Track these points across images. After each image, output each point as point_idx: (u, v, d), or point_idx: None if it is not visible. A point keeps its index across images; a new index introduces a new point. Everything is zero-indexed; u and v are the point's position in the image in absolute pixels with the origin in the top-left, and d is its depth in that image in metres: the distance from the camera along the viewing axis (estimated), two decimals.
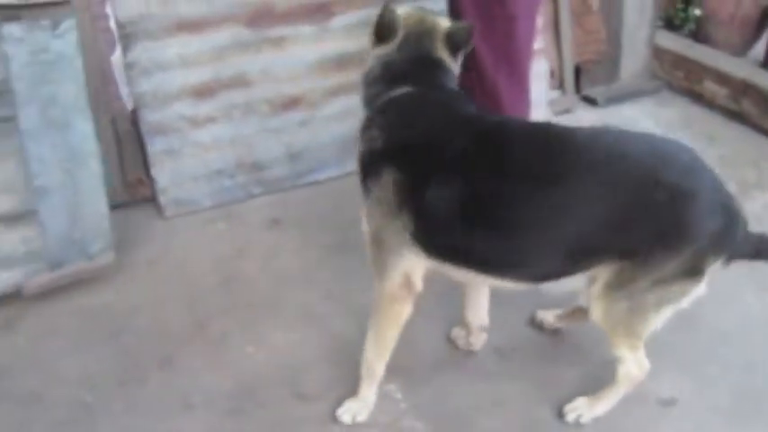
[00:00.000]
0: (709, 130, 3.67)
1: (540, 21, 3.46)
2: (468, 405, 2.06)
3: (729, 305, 2.47)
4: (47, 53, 2.12)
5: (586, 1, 3.72)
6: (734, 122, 3.74)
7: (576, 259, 1.74)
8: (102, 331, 2.29)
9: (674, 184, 1.65)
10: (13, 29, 2.05)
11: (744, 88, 3.72)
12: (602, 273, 1.75)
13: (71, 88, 2.19)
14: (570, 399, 2.03)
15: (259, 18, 2.84)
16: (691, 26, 4.29)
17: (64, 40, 2.13)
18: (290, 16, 2.90)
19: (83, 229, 2.36)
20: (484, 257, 1.79)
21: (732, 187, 3.11)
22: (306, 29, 2.94)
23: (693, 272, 1.73)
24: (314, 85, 2.99)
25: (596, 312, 1.80)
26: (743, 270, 2.60)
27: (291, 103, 2.96)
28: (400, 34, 1.82)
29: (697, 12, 4.23)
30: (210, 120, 2.80)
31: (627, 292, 1.72)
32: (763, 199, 3.10)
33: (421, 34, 1.83)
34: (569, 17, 3.63)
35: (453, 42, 1.85)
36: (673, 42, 4.18)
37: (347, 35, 3.01)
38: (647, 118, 3.72)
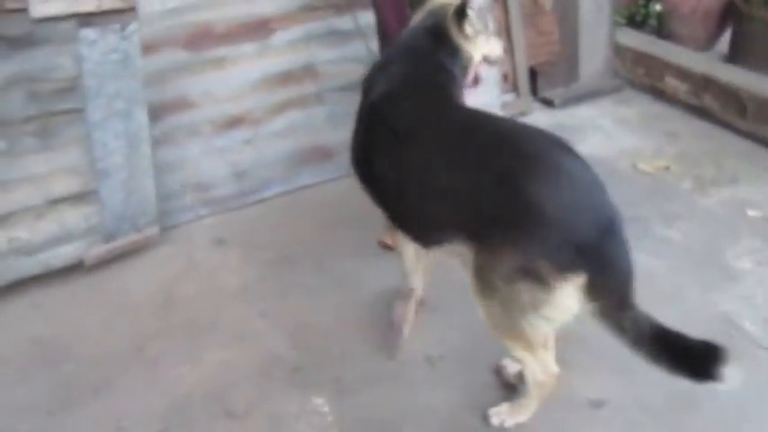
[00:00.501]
0: (670, 126, 3.65)
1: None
2: (396, 414, 2.05)
3: (668, 303, 2.43)
4: (116, 53, 2.45)
5: (538, 2, 3.72)
6: (695, 118, 3.71)
7: (437, 225, 1.84)
8: (42, 359, 2.31)
9: (526, 175, 1.63)
10: (88, 32, 2.38)
11: (705, 83, 3.69)
12: (467, 254, 1.75)
13: (133, 84, 2.53)
14: (497, 404, 2.01)
15: (198, 40, 2.87)
16: (653, 22, 4.27)
17: (130, 41, 2.47)
18: (229, 36, 2.93)
19: (134, 205, 2.69)
20: (389, 212, 2.08)
21: (688, 184, 3.14)
22: (247, 47, 2.97)
23: (538, 279, 1.61)
24: (257, 103, 3.01)
25: (480, 311, 1.79)
26: (686, 267, 2.60)
27: (235, 121, 2.99)
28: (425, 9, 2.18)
29: (658, 7, 4.21)
30: (154, 142, 2.83)
31: (490, 289, 1.70)
32: (719, 196, 3.06)
33: (435, 11, 2.15)
34: (520, 20, 3.63)
35: (457, 15, 2.08)
36: (634, 40, 4.16)
37: (290, 50, 3.04)
38: (604, 117, 3.70)
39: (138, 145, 2.62)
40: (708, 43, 4.15)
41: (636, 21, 4.31)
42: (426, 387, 2.14)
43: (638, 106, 3.85)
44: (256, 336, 2.35)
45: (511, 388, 2.10)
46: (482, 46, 2.18)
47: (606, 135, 3.54)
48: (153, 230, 2.76)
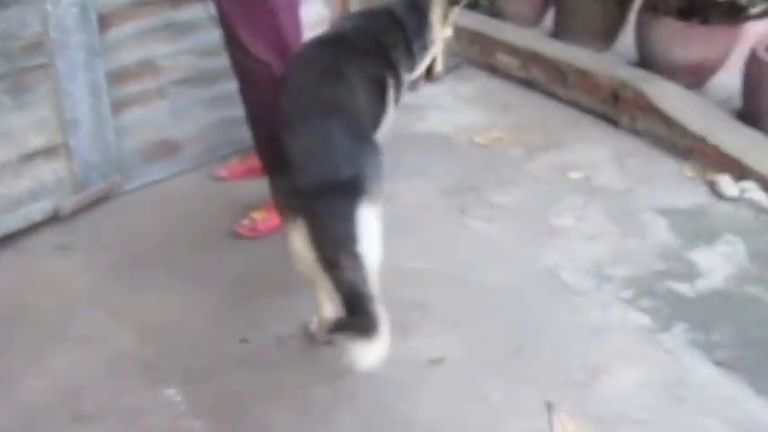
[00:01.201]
0: (504, 99, 3.91)
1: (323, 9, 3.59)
2: (247, 395, 2.12)
3: (500, 261, 2.67)
4: (75, 6, 2.60)
5: None
6: (526, 90, 4.01)
7: None
8: None
9: (288, 125, 2.01)
10: None
11: (532, 57, 3.99)
12: None
13: (92, 35, 2.70)
14: (345, 373, 2.13)
15: None
16: (485, 2, 4.53)
17: None
18: None
19: (101, 154, 2.84)
20: None
21: (518, 152, 3.41)
22: None
23: (283, 219, 2.02)
24: None
25: None
26: (515, 228, 2.84)
27: None
28: None
29: None
30: None
31: None
32: (546, 158, 3.36)
33: None
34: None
35: None
36: (470, 20, 4.40)
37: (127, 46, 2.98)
38: (445, 95, 3.91)
39: (100, 94, 2.77)
40: (535, 20, 4.47)
41: (473, 3, 4.55)
42: (277, 366, 2.23)
43: (476, 83, 4.10)
44: (104, 337, 2.33)
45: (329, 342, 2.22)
46: (440, 34, 2.49)
47: (446, 112, 3.74)
48: (118, 179, 2.93)
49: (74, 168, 2.79)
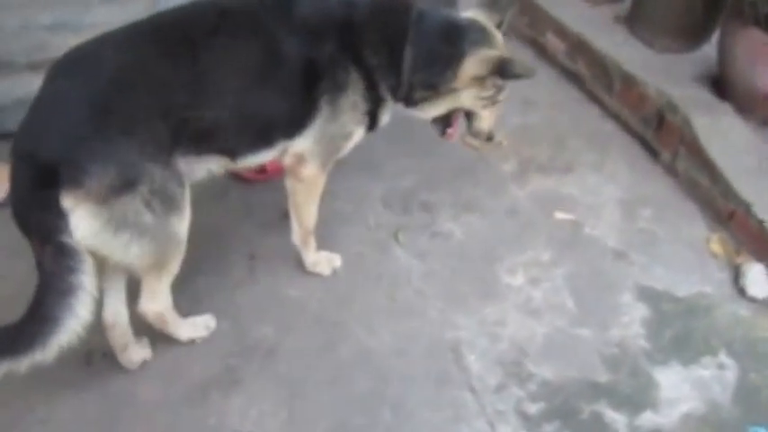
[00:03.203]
0: (532, 91, 3.12)
1: None
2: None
3: (397, 318, 2.10)
4: None
5: None
6: (566, 85, 3.28)
7: None
8: None
9: None
10: None
11: (578, 46, 3.20)
12: None
13: None
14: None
15: None
16: None
17: None
18: None
19: None
20: None
21: (513, 166, 2.70)
22: None
23: None
24: None
25: None
26: (445, 272, 2.22)
27: None
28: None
29: None
30: None
31: None
32: (540, 184, 2.68)
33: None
34: None
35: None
36: None
37: None
38: None
39: None
40: None
41: None
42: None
43: None
44: None
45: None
46: (475, 98, 1.97)
47: None
48: None
49: None
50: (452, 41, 1.90)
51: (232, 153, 1.80)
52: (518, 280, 2.25)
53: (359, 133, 1.98)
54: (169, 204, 1.59)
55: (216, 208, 2.40)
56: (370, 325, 2.07)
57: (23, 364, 1.43)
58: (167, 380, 1.88)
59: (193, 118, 1.63)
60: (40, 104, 1.53)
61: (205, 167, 1.78)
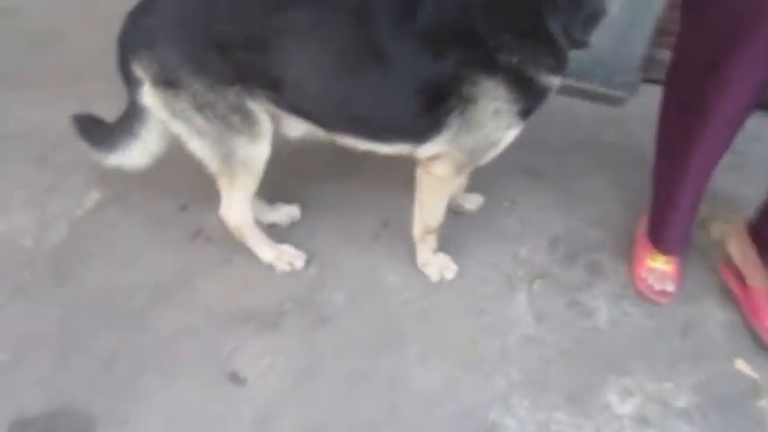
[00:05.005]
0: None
1: None
2: None
3: None
4: None
5: None
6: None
7: None
8: None
9: None
10: None
11: None
12: None
13: None
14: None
15: None
16: None
17: None
18: None
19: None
20: None
21: None
22: None
23: None
24: None
25: None
26: None
27: None
28: None
29: None
30: None
31: None
32: None
33: None
34: None
35: None
36: None
37: None
38: None
39: None
40: None
41: None
42: None
43: None
44: None
45: None
46: None
47: None
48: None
49: None
50: None
51: (323, 126, 1.74)
52: (626, 408, 1.82)
53: (511, 134, 1.68)
54: (228, 124, 1.67)
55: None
56: (426, 357, 1.88)
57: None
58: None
59: (258, 66, 1.59)
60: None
61: (296, 125, 1.78)
